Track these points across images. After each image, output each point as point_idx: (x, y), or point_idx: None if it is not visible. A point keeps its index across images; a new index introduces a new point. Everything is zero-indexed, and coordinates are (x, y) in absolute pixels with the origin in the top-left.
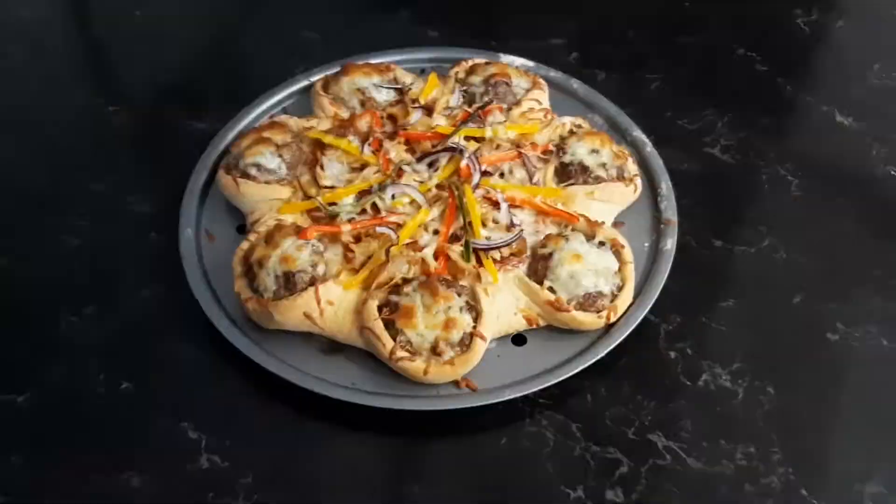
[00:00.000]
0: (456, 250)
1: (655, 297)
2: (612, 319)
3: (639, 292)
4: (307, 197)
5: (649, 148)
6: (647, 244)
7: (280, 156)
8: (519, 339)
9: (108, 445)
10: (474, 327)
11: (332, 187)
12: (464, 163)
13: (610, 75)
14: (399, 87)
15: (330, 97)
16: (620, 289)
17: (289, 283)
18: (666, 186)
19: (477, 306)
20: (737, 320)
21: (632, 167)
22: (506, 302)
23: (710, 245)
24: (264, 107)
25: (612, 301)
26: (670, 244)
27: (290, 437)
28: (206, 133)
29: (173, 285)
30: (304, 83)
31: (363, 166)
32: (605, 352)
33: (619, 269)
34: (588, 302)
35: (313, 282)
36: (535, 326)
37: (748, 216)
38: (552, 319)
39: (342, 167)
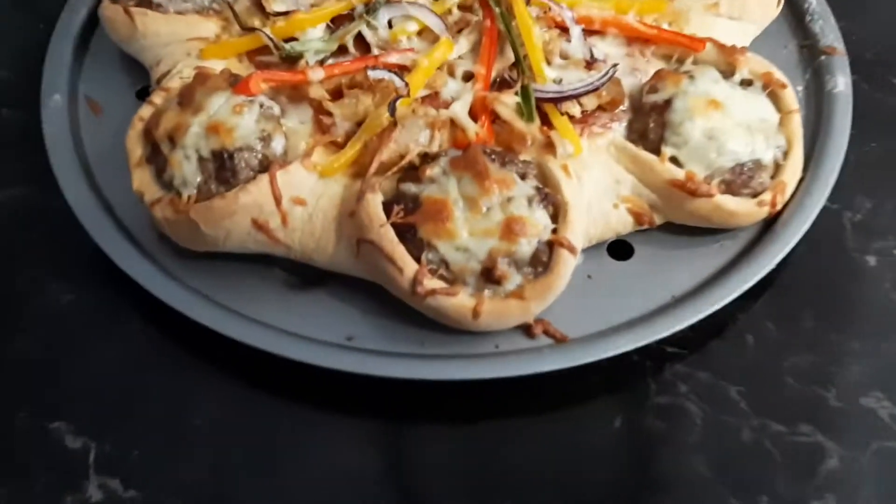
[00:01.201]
0: (507, 103)
1: (837, 170)
2: (778, 207)
3: (807, 163)
4: (247, 30)
5: None
6: (800, 88)
7: None
8: (621, 248)
9: None
10: (554, 230)
11: (286, 13)
12: None
13: None
14: None
15: None
16: (786, 155)
17: (224, 171)
18: (817, 1)
19: (555, 196)
20: None
21: None
22: (598, 187)
23: (889, 88)
24: None
25: (773, 176)
26: (842, 84)
27: (245, 431)
28: None
29: (38, 186)
30: None
31: None
32: (773, 263)
33: (781, 123)
34: (739, 179)
35: (266, 166)
36: (646, 226)
37: None
38: (677, 213)
39: None
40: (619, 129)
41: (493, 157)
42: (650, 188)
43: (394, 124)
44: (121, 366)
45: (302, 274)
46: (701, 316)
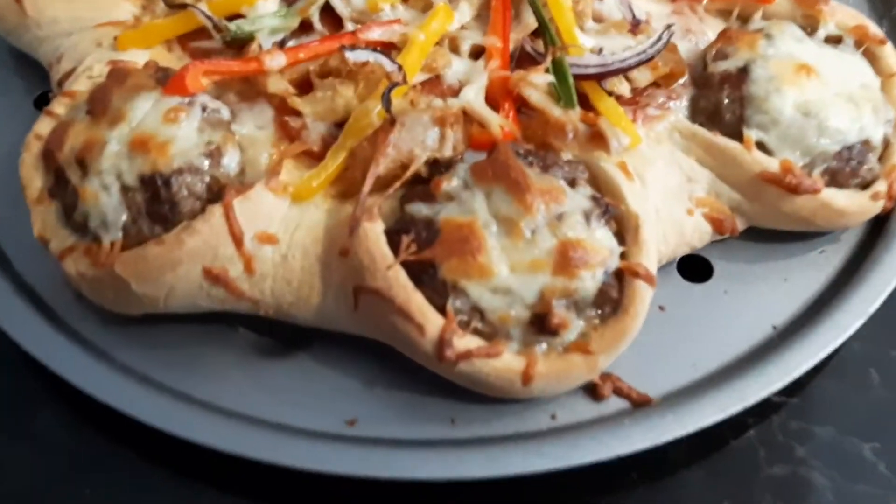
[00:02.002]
0: (537, 84)
1: None
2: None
3: None
4: (176, 7)
5: None
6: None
7: None
8: (694, 265)
9: None
10: (622, 254)
11: None
12: None
13: None
14: None
15: None
16: (893, 125)
17: (158, 203)
18: None
19: (617, 206)
20: None
21: None
22: (666, 188)
23: None
24: None
25: (881, 158)
26: None
27: None
28: None
29: None
30: None
31: None
32: None
33: (882, 89)
34: (848, 167)
35: (217, 192)
36: (727, 235)
37: None
38: (768, 215)
39: None
40: (680, 108)
41: (529, 159)
42: (733, 186)
43: (390, 123)
44: (39, 473)
45: (277, 334)
46: (820, 357)
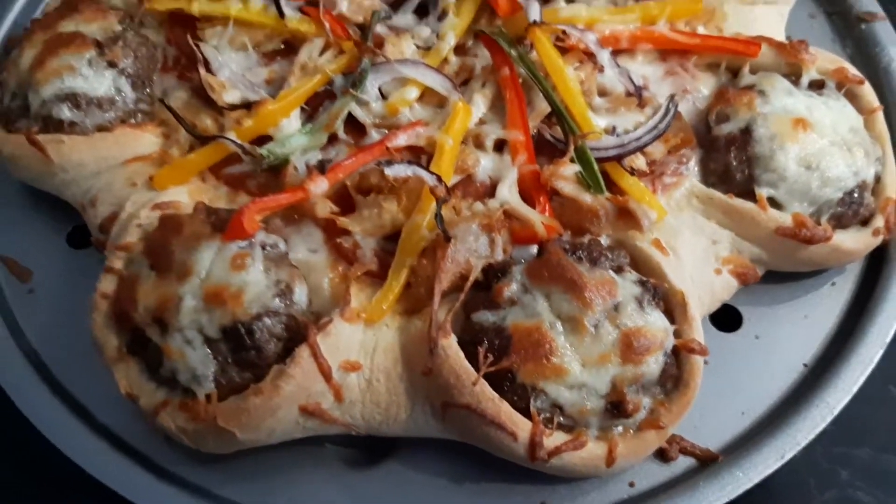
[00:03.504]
0: (567, 176)
1: None
2: (895, 231)
3: None
4: (202, 138)
5: None
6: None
7: (111, 64)
8: (723, 313)
9: None
10: (676, 332)
11: (245, 105)
12: None
13: None
14: None
15: None
16: (881, 161)
17: (244, 350)
18: None
19: (661, 285)
20: None
21: None
22: (695, 254)
23: None
24: None
25: (875, 193)
26: None
27: None
28: None
29: None
30: None
31: (288, 43)
32: None
33: (866, 126)
34: (850, 210)
35: (293, 327)
36: (748, 283)
37: None
38: (784, 262)
39: (246, 57)
40: (691, 171)
41: (577, 254)
42: (752, 241)
43: (445, 240)
44: None
45: (362, 444)
46: (853, 391)
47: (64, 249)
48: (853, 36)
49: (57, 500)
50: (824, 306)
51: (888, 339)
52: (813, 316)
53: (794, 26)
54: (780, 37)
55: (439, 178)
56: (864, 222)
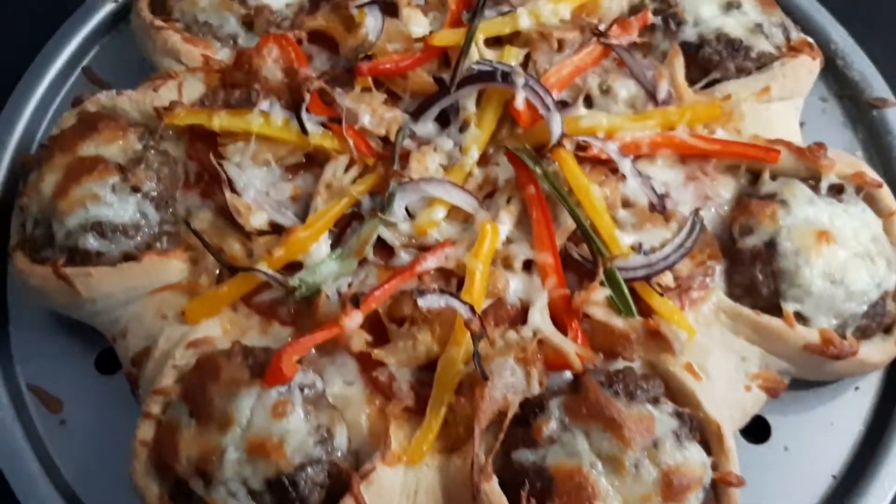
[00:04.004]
0: (597, 300)
1: None
2: None
3: None
4: (230, 269)
5: None
6: (858, 152)
7: (135, 189)
8: (754, 427)
9: None
10: (714, 465)
11: (273, 230)
12: (520, 98)
13: None
14: None
15: (177, 24)
16: None
17: (288, 502)
18: (839, 37)
19: (696, 414)
20: None
21: (787, 19)
22: (726, 373)
23: None
24: (46, 81)
25: (895, 298)
26: None
27: None
28: None
29: None
30: (108, 7)
31: (309, 156)
32: None
33: (885, 226)
34: (874, 322)
35: (336, 474)
36: (777, 395)
37: None
38: (811, 374)
39: (269, 172)
40: (718, 283)
41: (613, 388)
42: (781, 356)
43: (483, 378)
44: None
45: None
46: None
47: (93, 375)
48: (865, 122)
49: None
50: (850, 412)
51: None
52: (839, 423)
53: (807, 110)
54: (796, 129)
55: (472, 309)
56: (887, 329)
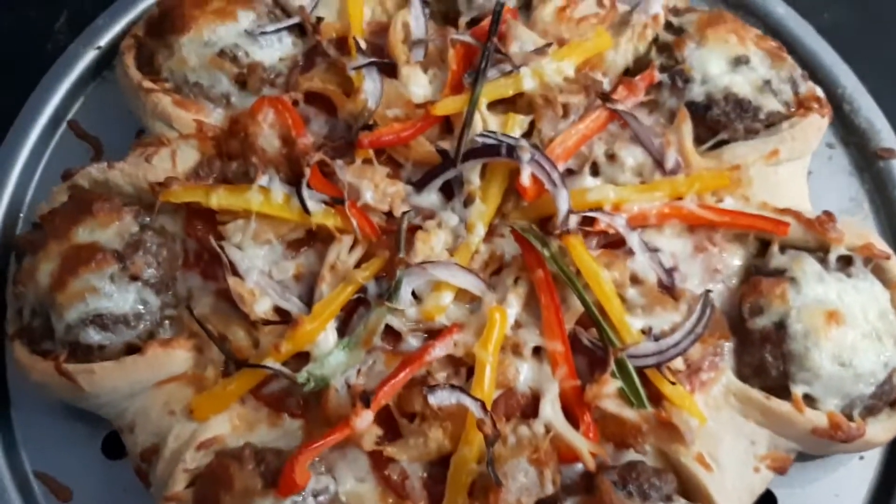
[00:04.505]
0: (609, 392)
1: None
2: None
3: None
4: (236, 362)
5: (781, 10)
6: (865, 204)
7: (133, 277)
8: (760, 501)
9: None
10: None
11: (278, 316)
12: (525, 174)
13: None
14: (293, 20)
15: (167, 85)
16: None
17: None
18: (847, 80)
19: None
20: None
21: (796, 69)
22: (736, 459)
23: None
24: (31, 139)
25: None
26: None
27: None
28: None
29: None
30: (87, 57)
31: (311, 232)
32: None
33: (892, 299)
34: (881, 402)
35: None
36: (785, 473)
37: None
38: (818, 451)
39: (270, 250)
40: (727, 361)
41: (627, 488)
42: (789, 438)
43: (497, 484)
44: None
45: None
46: None
47: (100, 461)
48: (871, 171)
49: None
50: (855, 482)
51: None
52: (844, 493)
53: (814, 158)
54: (804, 192)
55: (484, 406)
56: (893, 404)
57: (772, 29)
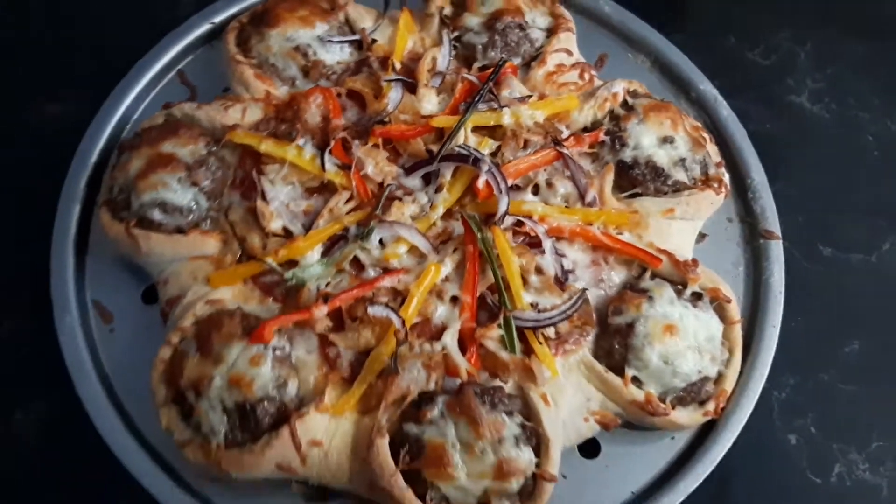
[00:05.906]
0: (493, 336)
1: (768, 365)
2: (720, 412)
3: (745, 357)
4: (248, 255)
5: (725, 112)
6: (741, 268)
7: (194, 183)
8: (589, 446)
9: None
10: (538, 464)
11: (285, 234)
12: (482, 180)
13: None
14: (355, 37)
15: (253, 62)
16: (727, 363)
17: (247, 421)
18: (757, 175)
19: (537, 429)
20: (866, 373)
21: (714, 155)
22: (572, 406)
23: (817, 256)
24: (149, 76)
25: (717, 383)
26: (777, 273)
27: None
28: (65, 124)
29: (56, 404)
30: (203, 27)
31: (323, 185)
32: (716, 460)
33: (724, 333)
34: (689, 396)
35: (282, 412)
36: (609, 429)
37: (860, 201)
38: (637, 420)
39: (293, 189)
40: (588, 342)
41: (483, 397)
42: (616, 404)
43: (395, 372)
44: None
45: (315, 488)
46: None
47: (138, 303)
48: (753, 245)
49: (98, 486)
50: (662, 453)
51: (693, 488)
52: (648, 460)
53: (714, 226)
54: (689, 244)
55: (403, 323)
56: (703, 402)
57: (715, 125)
